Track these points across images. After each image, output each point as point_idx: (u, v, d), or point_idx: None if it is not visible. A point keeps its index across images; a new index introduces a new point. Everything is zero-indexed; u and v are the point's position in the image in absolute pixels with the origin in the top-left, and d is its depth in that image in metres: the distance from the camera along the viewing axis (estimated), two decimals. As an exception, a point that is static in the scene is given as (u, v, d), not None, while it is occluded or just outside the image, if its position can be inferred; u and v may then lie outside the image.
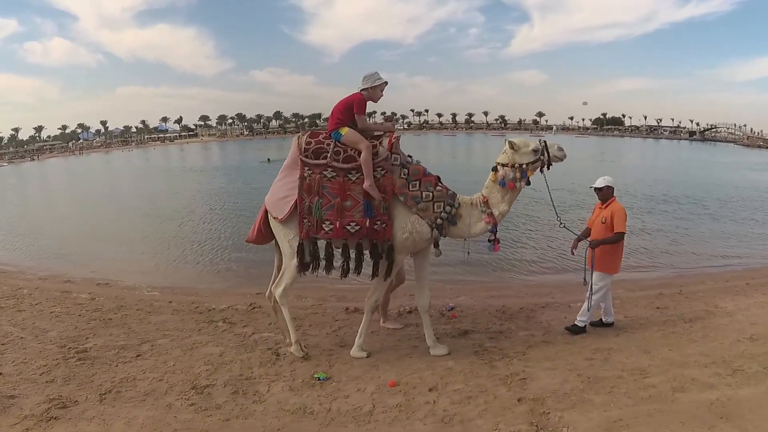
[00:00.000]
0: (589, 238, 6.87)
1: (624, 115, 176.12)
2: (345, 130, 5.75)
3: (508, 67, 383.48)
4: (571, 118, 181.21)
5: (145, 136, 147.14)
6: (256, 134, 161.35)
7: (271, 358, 6.30)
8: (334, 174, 5.70)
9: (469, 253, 6.40)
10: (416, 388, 5.35)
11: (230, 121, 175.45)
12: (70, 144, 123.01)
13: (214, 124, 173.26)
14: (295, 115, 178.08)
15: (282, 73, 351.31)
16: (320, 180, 5.68)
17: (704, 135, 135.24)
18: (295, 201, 5.74)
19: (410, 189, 5.76)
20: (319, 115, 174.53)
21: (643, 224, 16.86)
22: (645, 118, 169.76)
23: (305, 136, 5.89)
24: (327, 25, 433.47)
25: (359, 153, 5.65)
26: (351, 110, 5.81)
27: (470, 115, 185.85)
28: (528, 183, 5.87)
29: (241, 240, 15.22)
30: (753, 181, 32.85)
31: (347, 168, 5.69)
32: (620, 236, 6.65)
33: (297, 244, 5.83)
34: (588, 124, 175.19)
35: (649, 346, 6.53)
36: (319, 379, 5.64)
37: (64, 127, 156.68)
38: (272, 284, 6.35)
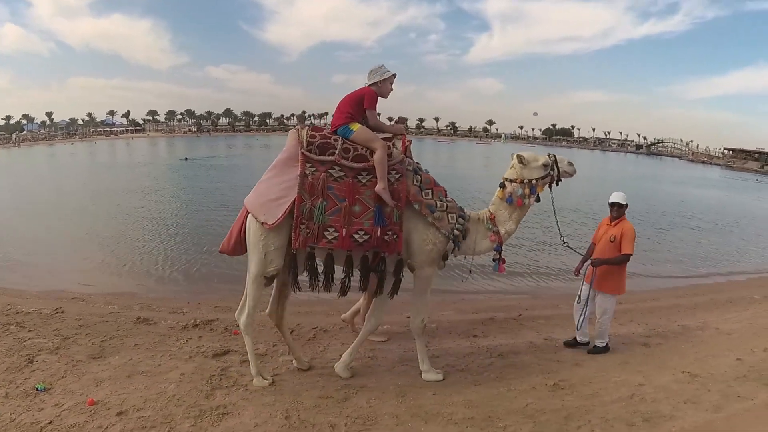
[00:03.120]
0: (592, 256, 6.52)
1: (573, 127, 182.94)
2: (356, 126, 5.10)
3: (466, 75, 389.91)
4: (521, 128, 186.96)
5: (91, 130, 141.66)
6: (204, 131, 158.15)
7: (22, 363, 5.65)
8: (342, 174, 4.95)
9: (471, 271, 5.98)
10: (109, 410, 4.66)
11: (179, 117, 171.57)
12: (13, 135, 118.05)
13: (163, 120, 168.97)
14: (246, 113, 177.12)
15: (238, 70, 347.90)
16: (325, 179, 4.90)
17: (651, 149, 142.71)
18: (291, 203, 4.85)
19: (424, 197, 5.17)
20: (269, 114, 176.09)
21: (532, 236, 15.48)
22: (593, 130, 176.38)
23: (307, 129, 5.14)
24: (287, 23, 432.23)
25: (371, 153, 5.00)
26: (361, 105, 5.17)
27: (421, 120, 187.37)
28: (538, 200, 5.46)
29: (107, 239, 14.51)
30: (671, 194, 33.52)
31: (358, 168, 4.97)
32: (627, 258, 6.32)
33: (279, 255, 4.99)
34: (538, 134, 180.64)
35: (413, 388, 5.35)
36: (37, 389, 5.06)
37: (7, 118, 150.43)
38: (272, 303, 5.64)
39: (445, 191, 5.34)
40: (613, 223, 6.50)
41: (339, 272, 5.15)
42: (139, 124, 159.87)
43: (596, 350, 6.64)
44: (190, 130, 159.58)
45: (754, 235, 19.87)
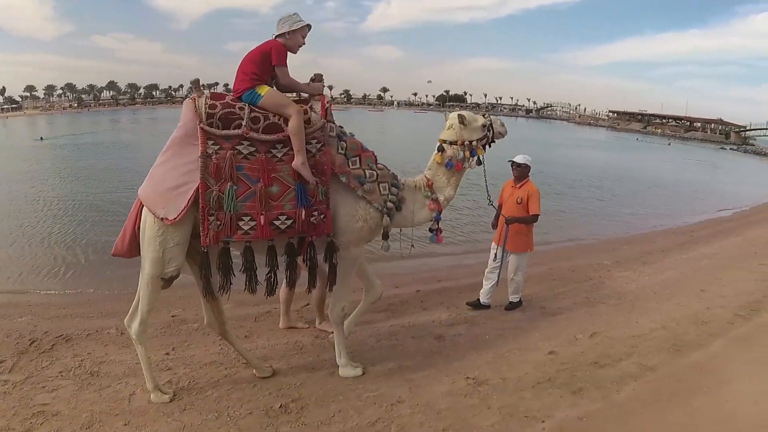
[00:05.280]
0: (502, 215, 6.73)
1: (466, 93, 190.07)
2: (264, 90, 4.33)
3: (363, 42, 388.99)
4: (415, 94, 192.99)
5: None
6: (85, 107, 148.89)
7: None
8: (253, 149, 4.23)
9: (413, 246, 5.41)
10: None
11: (59, 92, 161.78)
12: None
13: (42, 95, 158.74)
14: (131, 86, 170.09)
15: (127, 38, 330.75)
16: (233, 158, 4.14)
17: (540, 113, 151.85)
18: (195, 191, 4.04)
19: (351, 167, 4.58)
20: (156, 86, 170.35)
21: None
22: (485, 96, 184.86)
23: (205, 98, 4.23)
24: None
25: (286, 120, 4.28)
26: (268, 62, 4.38)
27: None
28: (479, 162, 5.18)
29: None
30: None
31: (271, 140, 4.26)
32: (536, 218, 6.64)
33: (180, 252, 4.22)
34: (431, 100, 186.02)
35: (107, 416, 4.25)
36: None
37: None
38: (206, 312, 4.78)
39: (375, 156, 4.82)
40: (518, 185, 6.71)
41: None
42: (17, 101, 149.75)
43: (512, 306, 6.99)
44: (71, 106, 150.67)
45: (609, 196, 19.83)
